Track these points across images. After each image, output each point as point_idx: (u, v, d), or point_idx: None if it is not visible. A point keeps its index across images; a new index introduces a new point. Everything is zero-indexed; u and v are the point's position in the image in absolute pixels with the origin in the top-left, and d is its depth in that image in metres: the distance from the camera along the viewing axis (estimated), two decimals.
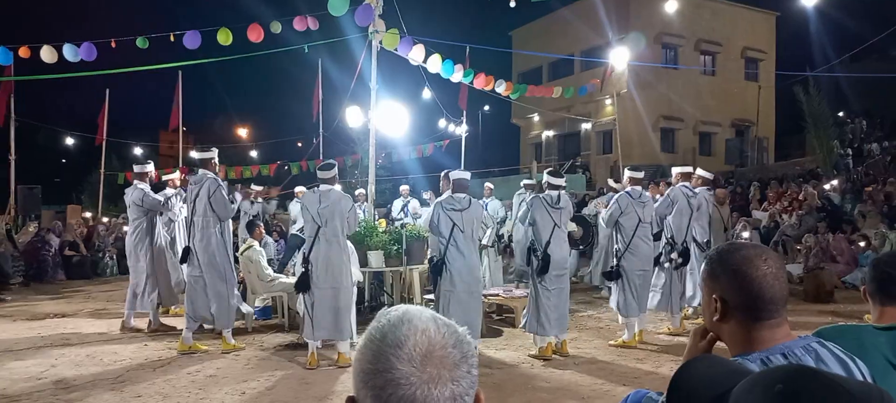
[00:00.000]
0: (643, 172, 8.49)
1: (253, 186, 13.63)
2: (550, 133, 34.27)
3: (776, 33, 32.81)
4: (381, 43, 9.32)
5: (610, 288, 8.91)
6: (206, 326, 7.57)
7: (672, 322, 8.15)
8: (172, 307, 8.89)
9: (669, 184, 9.79)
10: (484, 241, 10.31)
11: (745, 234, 12.79)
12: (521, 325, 7.27)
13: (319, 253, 6.49)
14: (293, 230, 11.13)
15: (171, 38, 10.42)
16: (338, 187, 6.82)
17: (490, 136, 37.51)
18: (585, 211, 13.08)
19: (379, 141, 10.20)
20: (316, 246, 6.50)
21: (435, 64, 10.56)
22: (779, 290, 1.47)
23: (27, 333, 8.15)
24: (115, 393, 5.59)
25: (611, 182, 13.58)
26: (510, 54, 34.68)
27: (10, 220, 15.97)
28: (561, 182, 7.22)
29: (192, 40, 10.34)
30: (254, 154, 32.95)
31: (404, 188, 14.37)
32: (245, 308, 8.06)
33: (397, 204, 13.61)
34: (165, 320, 8.42)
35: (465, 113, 16.03)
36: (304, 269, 6.54)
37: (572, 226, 9.36)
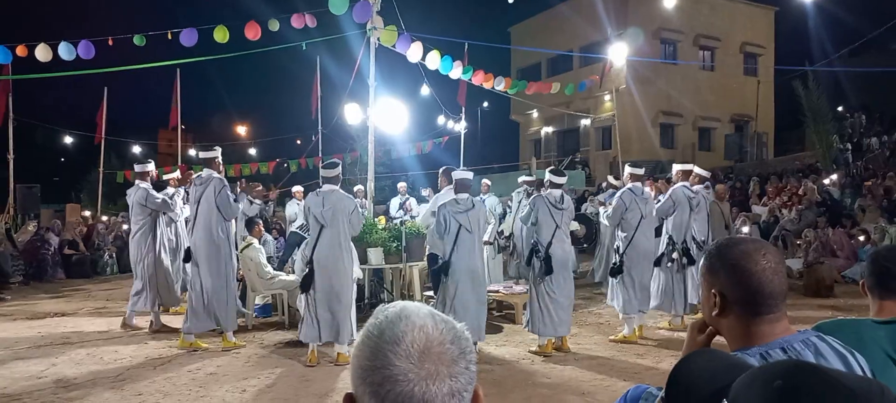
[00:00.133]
0: (643, 168, 8.50)
1: (252, 183, 13.61)
2: (549, 129, 34.28)
3: (775, 28, 32.82)
4: (379, 40, 9.31)
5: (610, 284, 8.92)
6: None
7: (674, 317, 8.14)
8: (172, 306, 8.88)
9: (669, 181, 9.79)
10: (485, 238, 10.31)
11: (745, 229, 12.80)
12: (524, 325, 7.25)
13: (322, 254, 6.47)
14: (292, 228, 11.12)
15: (169, 37, 10.41)
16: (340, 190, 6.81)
17: (489, 133, 37.54)
18: (585, 207, 13.09)
19: (378, 138, 10.19)
20: (318, 247, 6.48)
21: (433, 61, 10.54)
22: (778, 285, 1.47)
23: (27, 332, 8.14)
24: (116, 392, 5.59)
25: (610, 178, 13.57)
26: (509, 50, 34.72)
27: (10, 219, 15.96)
28: (563, 180, 7.22)
29: (189, 38, 10.32)
30: (253, 151, 32.95)
31: (402, 185, 14.36)
32: (242, 309, 8.06)
33: (395, 202, 13.61)
34: (166, 319, 8.41)
35: (463, 109, 16.02)
36: (307, 270, 6.53)
37: (575, 225, 9.35)
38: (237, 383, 5.82)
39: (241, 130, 40.16)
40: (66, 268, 14.39)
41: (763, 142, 29.26)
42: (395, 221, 10.12)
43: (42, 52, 10.39)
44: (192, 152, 25.20)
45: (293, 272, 8.87)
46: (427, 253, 7.61)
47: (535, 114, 33.72)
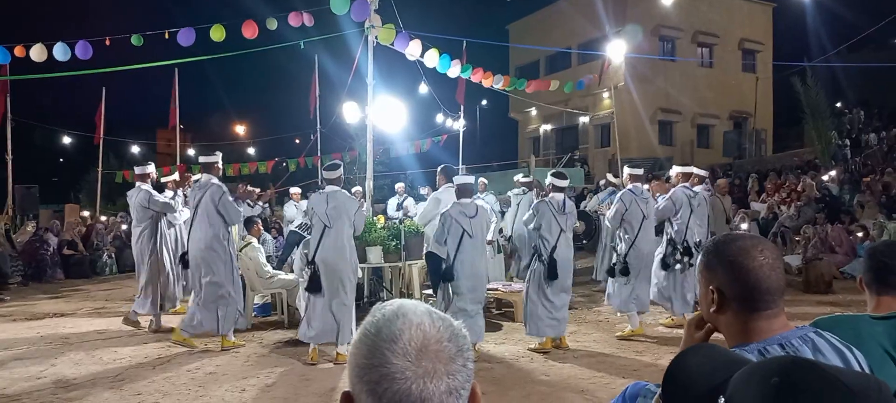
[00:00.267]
0: (642, 169, 8.51)
1: (250, 188, 13.58)
2: (548, 127, 34.26)
3: (773, 24, 32.81)
4: (377, 38, 9.30)
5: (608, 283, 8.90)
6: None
7: (674, 312, 8.14)
8: (172, 308, 8.86)
9: (668, 180, 9.76)
10: (488, 237, 10.30)
11: (744, 226, 12.81)
12: (527, 331, 7.23)
13: (325, 255, 6.47)
14: (291, 227, 11.12)
15: (166, 36, 10.39)
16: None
17: (488, 131, 37.55)
18: (584, 204, 13.07)
19: (376, 136, 10.17)
20: (322, 247, 6.48)
21: (432, 59, 10.53)
22: (775, 281, 1.47)
23: (26, 333, 8.14)
24: (115, 392, 5.59)
25: (609, 176, 13.57)
26: (507, 48, 34.70)
27: (8, 220, 15.94)
28: (565, 183, 7.19)
29: (186, 38, 10.30)
30: (251, 151, 32.94)
31: (399, 186, 14.35)
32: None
33: (393, 203, 13.60)
34: (166, 320, 8.39)
35: (462, 107, 16.01)
36: (311, 270, 6.52)
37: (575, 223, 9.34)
38: (237, 382, 5.82)
39: (240, 129, 40.18)
40: (65, 269, 14.38)
41: (762, 138, 29.27)
42: (393, 221, 10.11)
43: (37, 53, 10.37)
44: (191, 152, 25.19)
45: (292, 271, 8.87)
46: (426, 251, 7.60)
47: (533, 111, 33.70)
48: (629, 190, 7.79)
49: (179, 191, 8.74)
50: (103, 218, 18.64)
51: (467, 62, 12.21)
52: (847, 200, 14.87)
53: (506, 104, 34.60)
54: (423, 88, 14.48)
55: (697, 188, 8.19)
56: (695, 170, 8.63)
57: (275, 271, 8.71)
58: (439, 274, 6.85)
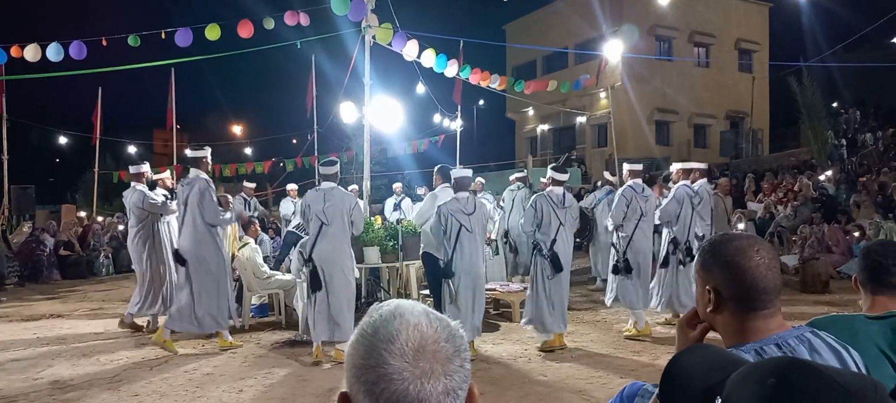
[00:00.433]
0: (641, 165, 8.47)
1: (246, 183, 13.57)
2: (545, 127, 34.29)
3: (769, 24, 32.90)
4: (374, 38, 9.30)
5: (605, 282, 8.89)
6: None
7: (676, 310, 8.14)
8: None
9: (668, 179, 9.75)
10: (492, 236, 10.28)
11: (741, 226, 12.82)
12: (523, 322, 7.22)
13: (323, 251, 6.45)
14: (289, 227, 11.11)
15: (162, 36, 10.37)
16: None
17: (485, 131, 37.59)
18: (580, 203, 13.04)
19: (373, 136, 10.18)
20: (318, 245, 6.46)
21: (429, 58, 10.53)
22: (772, 280, 1.47)
23: (23, 333, 8.12)
24: (112, 392, 5.58)
25: (607, 175, 13.56)
26: (504, 48, 34.72)
27: (4, 221, 15.90)
28: (565, 177, 7.15)
29: (183, 38, 10.29)
30: (248, 151, 32.91)
31: (397, 186, 14.34)
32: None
33: (390, 203, 13.59)
34: (163, 320, 8.37)
35: (459, 107, 16.00)
36: (310, 268, 6.50)
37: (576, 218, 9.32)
38: (234, 383, 5.82)
39: (237, 129, 40.14)
40: (62, 269, 14.35)
41: (758, 138, 29.33)
42: (390, 222, 10.11)
43: (32, 53, 10.35)
44: (188, 152, 25.12)
45: (289, 272, 8.86)
46: (422, 251, 7.59)
47: (530, 111, 33.73)
48: (629, 186, 7.74)
49: (177, 190, 8.69)
50: (100, 218, 18.60)
51: (464, 62, 12.20)
52: (843, 200, 14.89)
53: (503, 104, 34.63)
54: (421, 88, 14.49)
55: (698, 184, 8.15)
56: (694, 164, 8.60)
57: (272, 271, 8.70)
58: (436, 275, 6.84)
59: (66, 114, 35.33)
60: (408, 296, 8.50)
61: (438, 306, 6.58)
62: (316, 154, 18.42)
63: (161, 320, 8.24)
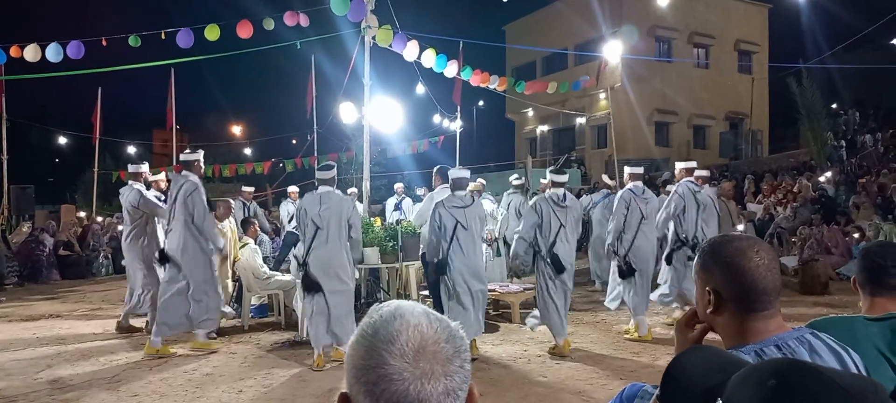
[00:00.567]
0: (642, 168, 8.41)
1: (244, 187, 13.55)
2: (545, 128, 34.31)
3: (769, 25, 32.93)
4: (374, 38, 9.30)
5: (605, 285, 8.88)
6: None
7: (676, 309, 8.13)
8: None
9: (667, 183, 9.71)
10: (495, 235, 10.26)
11: (740, 227, 12.80)
12: (529, 324, 7.17)
13: (318, 257, 6.40)
14: (289, 228, 11.11)
15: (162, 36, 10.38)
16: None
17: (485, 132, 37.62)
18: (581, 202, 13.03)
19: (373, 137, 10.18)
20: (314, 250, 6.41)
21: (428, 59, 10.54)
22: (771, 281, 1.47)
23: (22, 333, 8.12)
24: (112, 393, 5.57)
25: (605, 178, 13.56)
26: (504, 49, 34.74)
27: (4, 221, 15.90)
28: (564, 178, 7.11)
29: (184, 39, 10.29)
30: (248, 151, 32.91)
31: (399, 186, 14.35)
32: (227, 310, 7.93)
33: (391, 203, 13.59)
34: None
35: (459, 108, 16.02)
36: (303, 271, 6.47)
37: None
38: (233, 383, 5.81)
39: (237, 130, 40.17)
40: (61, 269, 14.35)
41: (758, 139, 29.34)
42: (390, 222, 10.11)
43: (32, 53, 10.35)
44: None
45: (289, 272, 8.85)
46: (421, 252, 7.57)
47: (530, 112, 33.74)
48: (629, 189, 7.68)
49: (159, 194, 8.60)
50: (99, 218, 18.61)
51: (464, 63, 12.21)
52: (843, 201, 14.90)
53: (502, 105, 34.65)
54: (420, 89, 14.50)
55: (703, 188, 8.09)
56: (698, 169, 8.53)
57: (272, 272, 8.69)
58: (436, 275, 6.81)
59: (66, 114, 35.38)
60: (407, 297, 8.49)
61: (438, 307, 6.56)
62: (316, 154, 18.44)
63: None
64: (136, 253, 8.01)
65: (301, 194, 13.77)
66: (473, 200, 6.69)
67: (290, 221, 11.98)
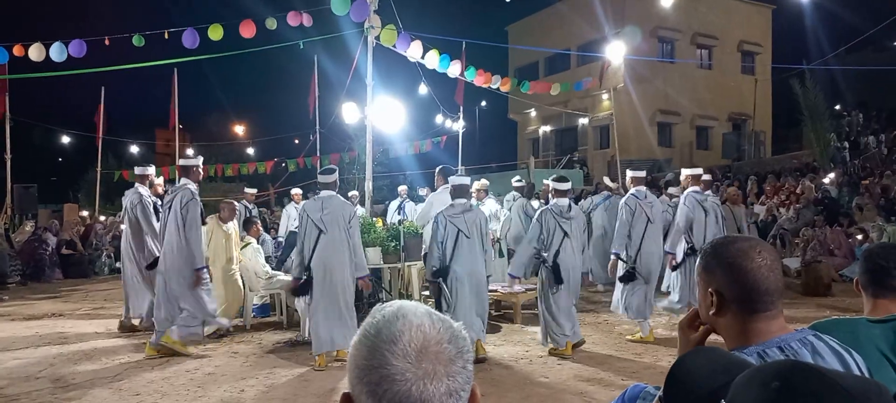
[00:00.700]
0: (644, 171, 8.36)
1: (246, 189, 13.57)
2: (547, 128, 34.29)
3: (772, 26, 32.88)
4: (376, 38, 9.31)
5: (611, 285, 8.84)
6: (208, 331, 7.48)
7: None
8: None
9: (669, 184, 9.64)
10: (498, 235, 10.25)
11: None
12: (540, 341, 7.14)
13: (321, 260, 6.39)
14: (292, 227, 11.12)
15: (166, 36, 10.40)
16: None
17: (487, 132, 37.58)
18: (580, 204, 13.03)
19: (375, 137, 10.18)
20: (317, 253, 6.40)
21: (431, 59, 10.54)
22: (773, 282, 1.47)
23: (25, 332, 8.13)
24: (114, 392, 5.58)
25: (606, 180, 13.53)
26: (506, 49, 34.74)
27: (7, 220, 15.93)
28: (567, 186, 7.07)
29: (189, 39, 10.31)
30: (251, 151, 32.95)
31: (402, 189, 14.36)
32: (222, 322, 7.53)
33: (393, 205, 13.59)
34: None
35: (461, 108, 16.02)
36: (305, 277, 6.44)
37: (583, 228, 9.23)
38: (235, 383, 5.82)
39: (239, 130, 40.21)
40: (64, 269, 14.38)
41: (761, 140, 29.31)
42: (392, 223, 10.11)
43: (35, 52, 10.38)
44: (190, 152, 25.18)
45: (288, 271, 8.85)
46: (423, 252, 7.56)
47: (532, 113, 33.74)
48: (632, 194, 7.62)
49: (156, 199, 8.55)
50: (102, 218, 18.64)
51: (467, 64, 12.22)
52: (846, 203, 14.88)
53: (505, 105, 34.62)
54: (423, 89, 14.50)
55: (708, 193, 8.02)
56: (703, 176, 8.45)
57: (274, 272, 8.70)
58: (438, 281, 6.79)
59: (69, 113, 35.38)
60: (409, 297, 8.50)
61: (440, 307, 6.55)
62: (318, 154, 18.46)
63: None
64: (132, 255, 8.01)
65: (305, 196, 13.82)
66: (472, 209, 6.67)
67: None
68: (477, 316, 6.56)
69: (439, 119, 19.38)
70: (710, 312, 1.53)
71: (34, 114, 25.47)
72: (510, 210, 11.16)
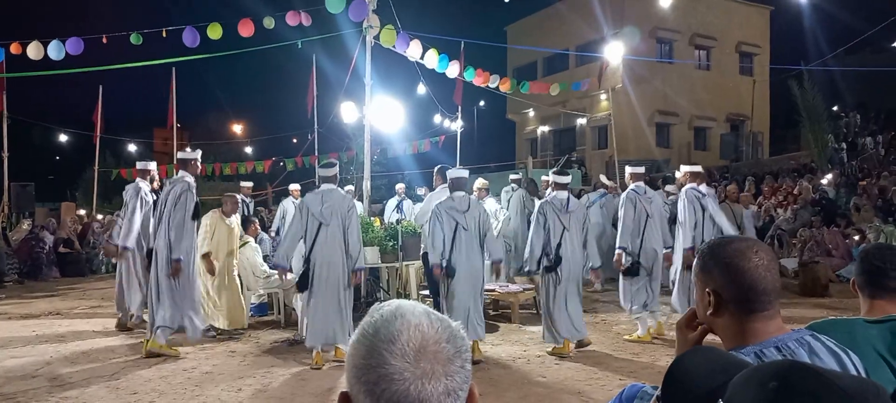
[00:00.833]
0: (643, 167, 8.37)
1: (242, 183, 13.54)
2: (546, 128, 34.30)
3: (770, 27, 32.93)
4: (375, 38, 9.30)
5: (613, 281, 8.84)
6: (210, 334, 7.48)
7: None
8: None
9: (667, 181, 9.64)
10: (495, 234, 10.24)
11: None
12: (544, 339, 7.14)
13: (320, 253, 6.41)
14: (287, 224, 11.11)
15: (164, 34, 10.39)
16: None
17: (485, 132, 37.58)
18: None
19: (374, 136, 10.19)
20: (317, 246, 6.42)
21: (430, 59, 10.54)
22: (771, 282, 1.47)
23: (22, 331, 8.12)
24: (111, 390, 5.57)
25: (603, 178, 13.55)
26: (505, 49, 34.76)
27: (4, 218, 15.91)
28: (567, 179, 7.10)
29: (189, 38, 10.29)
30: (249, 150, 32.91)
31: (400, 187, 14.36)
32: (198, 322, 7.15)
33: (391, 204, 13.58)
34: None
35: (460, 108, 16.02)
36: (304, 269, 6.47)
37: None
38: (233, 382, 5.81)
39: (238, 128, 40.20)
40: (61, 267, 14.35)
41: (758, 141, 29.35)
42: (390, 222, 10.11)
43: (33, 51, 10.36)
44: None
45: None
46: (422, 251, 7.57)
47: (531, 113, 33.75)
48: (632, 189, 7.63)
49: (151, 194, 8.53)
50: (99, 216, 18.62)
51: (466, 64, 12.22)
52: (843, 204, 14.90)
53: (503, 105, 34.64)
54: (421, 89, 14.51)
55: (703, 188, 8.04)
56: (702, 171, 8.45)
57: (271, 270, 8.69)
58: (439, 277, 6.79)
59: (67, 112, 35.42)
60: (407, 297, 8.50)
61: (438, 307, 6.55)
62: (316, 153, 18.46)
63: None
64: (129, 252, 8.00)
65: (303, 193, 13.79)
66: (470, 204, 6.66)
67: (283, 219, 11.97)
68: (474, 314, 6.56)
69: (438, 119, 19.40)
70: (708, 312, 1.53)
71: (32, 113, 25.47)
72: (509, 202, 11.14)
